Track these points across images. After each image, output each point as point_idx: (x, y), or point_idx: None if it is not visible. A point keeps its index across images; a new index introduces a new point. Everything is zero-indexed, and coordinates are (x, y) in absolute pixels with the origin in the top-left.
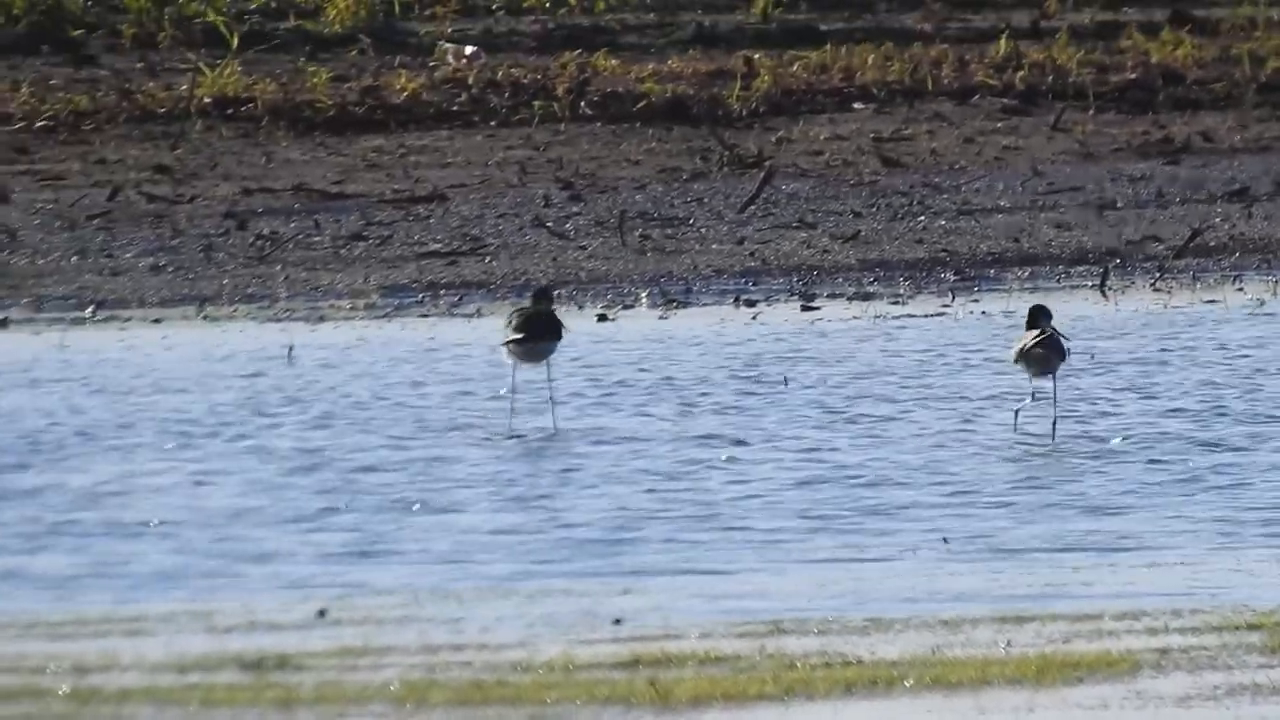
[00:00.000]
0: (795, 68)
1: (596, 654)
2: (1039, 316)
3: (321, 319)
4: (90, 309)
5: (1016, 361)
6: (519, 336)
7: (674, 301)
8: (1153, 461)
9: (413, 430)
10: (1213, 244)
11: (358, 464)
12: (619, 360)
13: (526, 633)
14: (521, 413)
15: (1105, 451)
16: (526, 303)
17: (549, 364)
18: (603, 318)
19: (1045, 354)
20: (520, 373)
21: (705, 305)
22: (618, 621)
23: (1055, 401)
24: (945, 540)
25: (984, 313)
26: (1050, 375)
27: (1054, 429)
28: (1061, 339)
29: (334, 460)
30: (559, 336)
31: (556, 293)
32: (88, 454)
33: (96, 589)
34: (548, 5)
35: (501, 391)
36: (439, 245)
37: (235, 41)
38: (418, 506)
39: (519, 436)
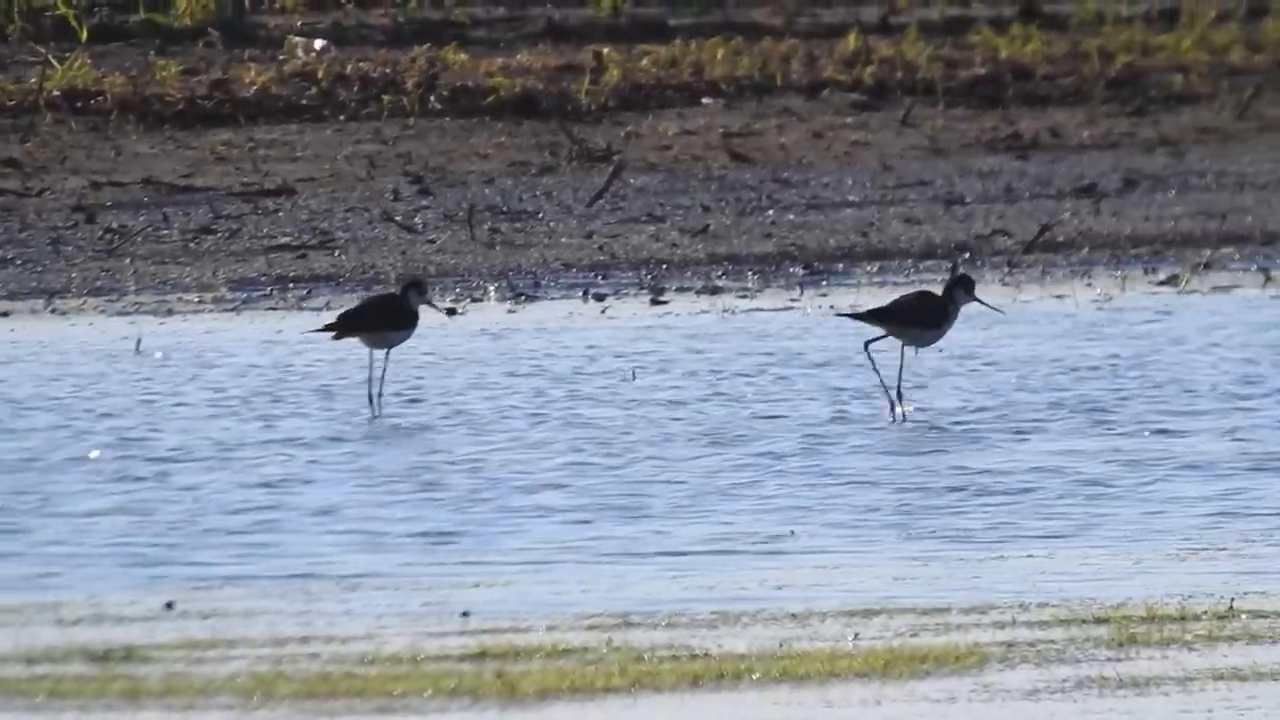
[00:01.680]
0: (644, 62)
1: (444, 646)
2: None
3: (170, 312)
4: None
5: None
6: (337, 325)
7: (523, 295)
8: (982, 452)
9: (252, 421)
10: (1061, 239)
11: (189, 455)
12: (465, 353)
13: (374, 625)
14: (362, 402)
15: (945, 441)
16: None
17: (387, 355)
18: (452, 311)
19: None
20: (368, 362)
21: (554, 299)
22: (465, 614)
23: (900, 378)
24: (792, 533)
25: (831, 307)
26: (911, 346)
27: (893, 409)
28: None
29: (170, 452)
30: (400, 327)
31: None
32: None
33: None
34: None
35: (349, 381)
36: (288, 239)
37: (85, 34)
38: (246, 500)
39: (356, 427)
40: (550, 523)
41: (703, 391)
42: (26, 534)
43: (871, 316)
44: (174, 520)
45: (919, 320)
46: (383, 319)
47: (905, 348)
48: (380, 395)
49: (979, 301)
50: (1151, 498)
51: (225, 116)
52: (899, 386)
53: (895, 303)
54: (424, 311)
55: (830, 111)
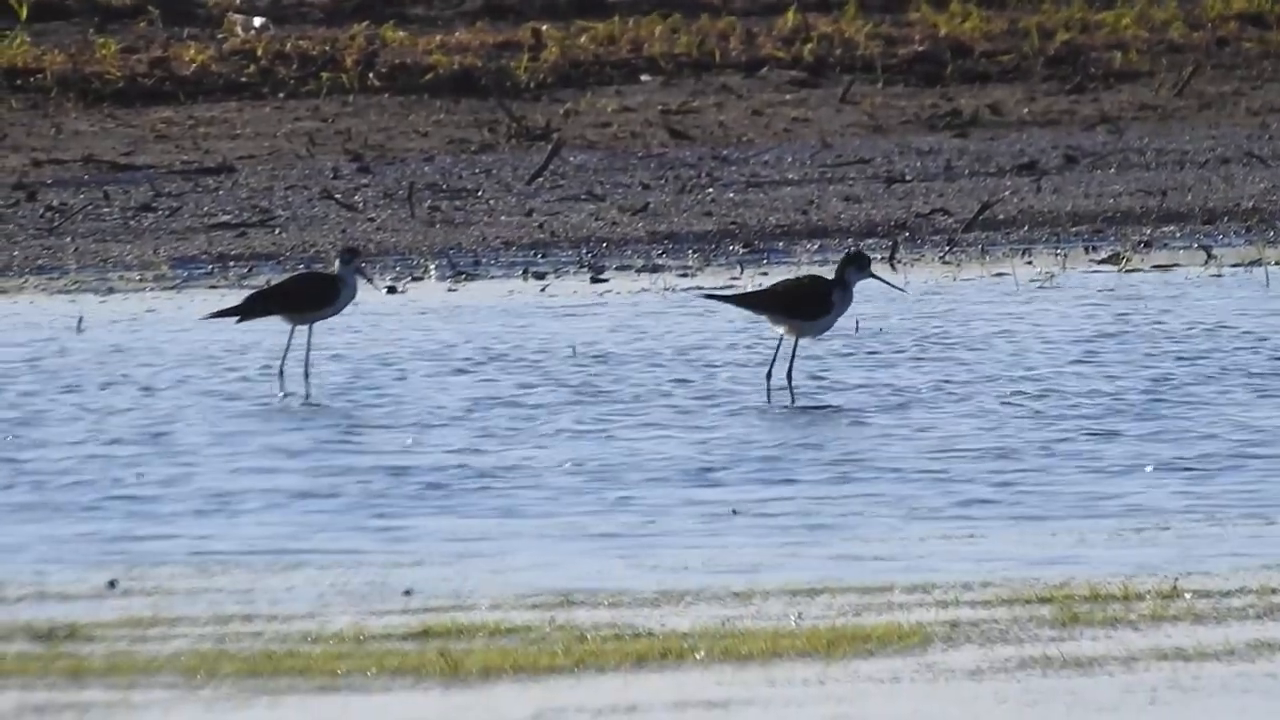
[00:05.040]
0: (583, 39)
1: (387, 625)
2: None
3: (111, 290)
4: None
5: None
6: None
7: (463, 274)
8: (917, 430)
9: (185, 399)
10: (1002, 217)
11: (131, 434)
12: (406, 330)
13: (317, 604)
14: (295, 382)
15: (866, 420)
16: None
17: (310, 331)
18: (391, 290)
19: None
20: (297, 338)
21: (494, 278)
22: (408, 592)
23: (783, 357)
24: (735, 512)
25: None
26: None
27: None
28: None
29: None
30: (319, 306)
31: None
32: None
33: None
34: None
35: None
36: (228, 217)
37: (24, 12)
38: (188, 479)
39: (288, 405)
40: (489, 501)
41: (645, 370)
42: None
43: (746, 301)
44: (117, 498)
45: (798, 309)
46: (303, 295)
47: (786, 337)
48: (307, 375)
49: (877, 278)
50: (1096, 476)
51: (165, 94)
52: (789, 372)
53: (776, 286)
54: (363, 288)
55: (769, 89)
